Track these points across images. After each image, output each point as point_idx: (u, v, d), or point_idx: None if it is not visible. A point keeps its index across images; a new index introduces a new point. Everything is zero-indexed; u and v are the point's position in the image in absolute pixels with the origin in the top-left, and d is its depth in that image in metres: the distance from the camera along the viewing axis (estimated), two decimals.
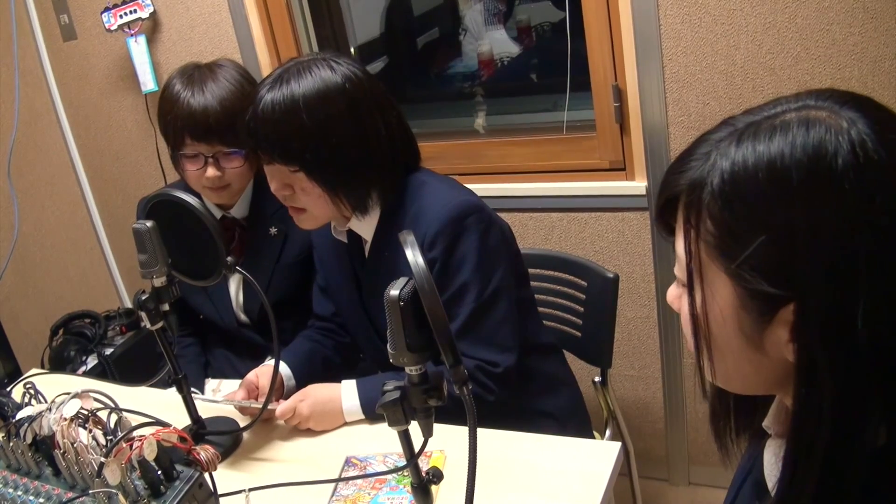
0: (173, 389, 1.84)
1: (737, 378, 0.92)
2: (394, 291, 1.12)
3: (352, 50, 3.52)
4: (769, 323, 0.84)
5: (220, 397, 2.02)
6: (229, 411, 1.98)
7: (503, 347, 1.87)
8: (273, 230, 2.31)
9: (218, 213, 2.34)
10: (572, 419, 2.09)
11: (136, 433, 1.43)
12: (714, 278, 0.86)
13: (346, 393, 1.88)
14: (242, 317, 2.40)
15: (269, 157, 1.83)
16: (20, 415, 1.63)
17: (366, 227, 1.94)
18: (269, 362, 2.08)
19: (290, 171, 1.82)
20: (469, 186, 1.98)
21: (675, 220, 0.93)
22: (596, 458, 1.65)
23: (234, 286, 2.40)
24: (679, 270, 0.92)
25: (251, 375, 1.97)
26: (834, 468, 0.82)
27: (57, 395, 1.60)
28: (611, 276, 2.23)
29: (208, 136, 2.14)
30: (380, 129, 1.84)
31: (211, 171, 2.18)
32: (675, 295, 0.97)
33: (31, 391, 1.72)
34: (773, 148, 0.81)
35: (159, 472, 1.45)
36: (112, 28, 3.11)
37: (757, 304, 0.84)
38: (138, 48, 3.13)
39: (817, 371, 0.81)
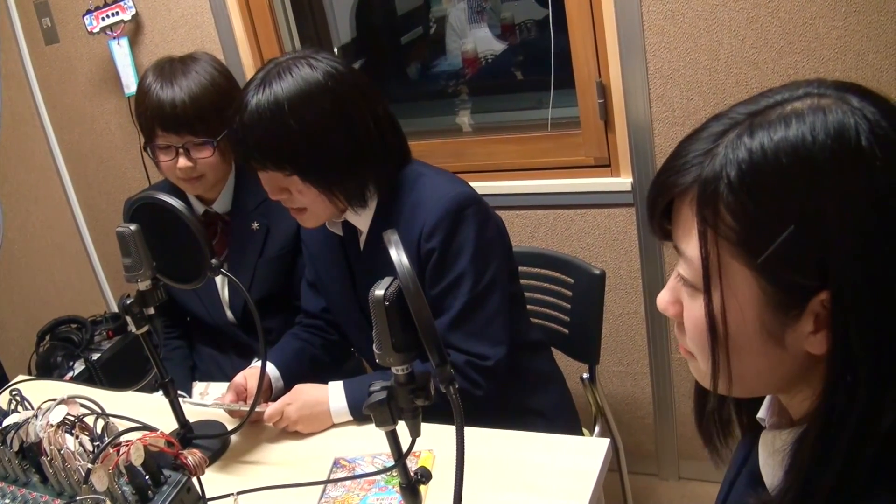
0: (160, 393, 1.83)
1: (752, 379, 0.89)
2: (378, 291, 1.12)
3: (335, 50, 3.51)
4: (797, 317, 0.82)
5: (207, 400, 2.01)
6: (217, 415, 1.97)
7: (494, 340, 1.87)
8: (255, 225, 2.32)
9: (200, 208, 2.36)
10: (561, 417, 2.09)
11: (122, 438, 1.43)
12: (735, 276, 0.83)
13: (334, 395, 1.88)
14: (229, 314, 2.40)
15: (260, 165, 1.82)
16: (7, 422, 1.62)
17: (362, 219, 1.93)
18: (257, 364, 2.07)
19: (283, 175, 1.81)
20: (470, 184, 1.97)
21: (673, 222, 0.90)
22: (585, 454, 1.65)
23: (221, 282, 2.39)
24: (690, 272, 0.88)
25: (239, 378, 1.97)
26: (856, 453, 0.81)
27: (43, 402, 1.59)
28: (597, 272, 2.23)
29: (177, 127, 2.17)
30: (368, 121, 1.83)
31: (182, 162, 2.19)
32: (670, 300, 0.94)
33: (18, 398, 1.71)
34: (793, 133, 0.79)
35: (147, 478, 1.44)
36: (94, 31, 3.09)
37: (784, 298, 0.81)
38: (121, 51, 3.12)
39: (853, 356, 0.79)
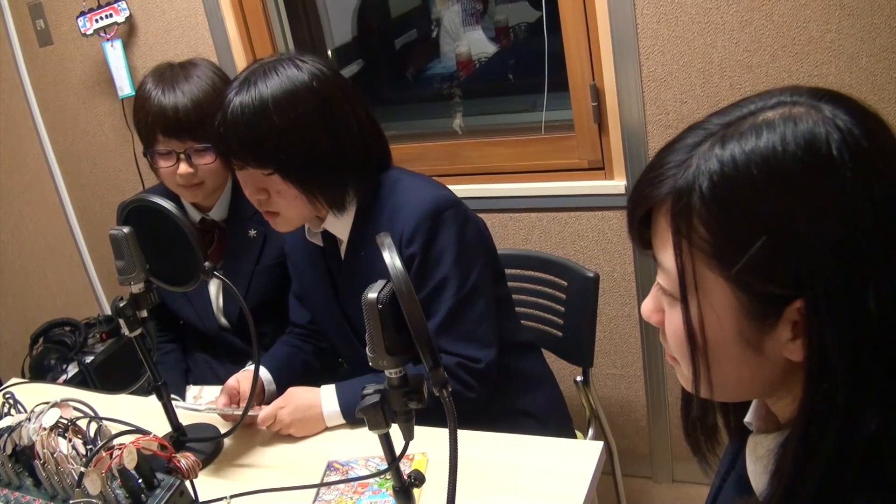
0: (154, 397, 1.83)
1: (732, 386, 0.89)
2: (372, 294, 1.12)
3: (329, 52, 3.51)
4: (774, 325, 0.82)
5: (201, 404, 2.01)
6: (210, 418, 1.97)
7: (484, 343, 1.86)
8: (252, 232, 2.31)
9: (197, 216, 2.35)
10: (553, 418, 2.09)
11: (116, 442, 1.42)
12: (711, 287, 0.84)
13: (326, 398, 1.87)
14: (223, 320, 2.40)
15: (241, 162, 1.81)
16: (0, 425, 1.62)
17: (341, 226, 1.93)
18: (250, 368, 2.07)
19: (263, 174, 1.80)
20: (448, 187, 1.97)
21: (652, 232, 0.90)
22: (579, 457, 1.65)
23: (215, 289, 2.39)
24: (667, 283, 0.88)
25: (232, 381, 1.96)
26: (838, 458, 0.81)
27: (36, 405, 1.59)
28: (591, 275, 2.22)
29: (179, 133, 2.16)
30: (351, 124, 1.83)
31: (183, 168, 2.18)
32: (653, 309, 0.95)
33: (11, 401, 1.70)
34: (763, 143, 0.79)
35: (140, 481, 1.44)
36: (88, 33, 3.09)
37: (760, 307, 0.81)
38: (114, 53, 3.11)
39: (829, 363, 0.79)
